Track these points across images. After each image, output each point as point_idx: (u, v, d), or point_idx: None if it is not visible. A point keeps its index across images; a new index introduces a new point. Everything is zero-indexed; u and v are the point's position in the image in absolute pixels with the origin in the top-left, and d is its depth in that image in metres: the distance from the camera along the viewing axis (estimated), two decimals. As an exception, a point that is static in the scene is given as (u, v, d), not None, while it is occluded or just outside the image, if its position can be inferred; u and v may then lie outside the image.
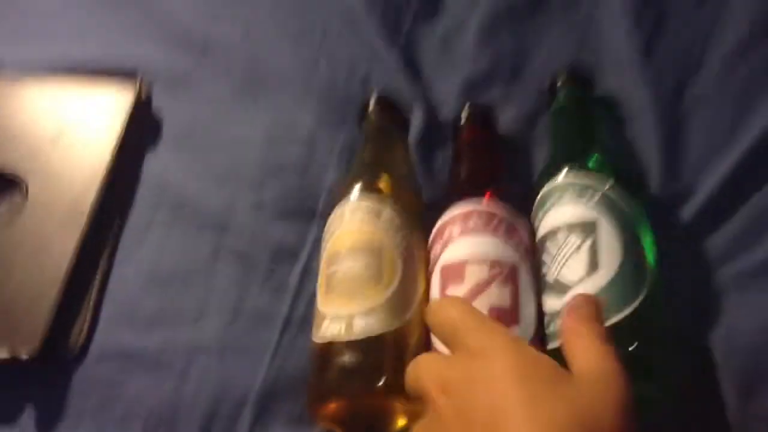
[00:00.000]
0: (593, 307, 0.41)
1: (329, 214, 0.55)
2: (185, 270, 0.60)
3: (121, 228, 0.62)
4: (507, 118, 0.64)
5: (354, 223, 0.52)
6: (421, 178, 0.61)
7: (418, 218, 0.54)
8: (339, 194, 0.55)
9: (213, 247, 0.60)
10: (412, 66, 0.68)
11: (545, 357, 0.37)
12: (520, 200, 0.56)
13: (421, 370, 0.39)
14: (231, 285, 0.59)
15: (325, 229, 0.54)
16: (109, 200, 0.62)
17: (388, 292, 0.48)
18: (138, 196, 0.64)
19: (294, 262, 0.59)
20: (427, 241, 0.54)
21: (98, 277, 0.59)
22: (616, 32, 0.66)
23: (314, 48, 0.71)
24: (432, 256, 0.53)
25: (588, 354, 0.37)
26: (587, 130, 0.59)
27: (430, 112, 0.65)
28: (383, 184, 0.55)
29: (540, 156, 0.62)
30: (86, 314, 0.57)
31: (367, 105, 0.62)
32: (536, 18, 0.69)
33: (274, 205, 0.62)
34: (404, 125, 0.63)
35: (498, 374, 0.35)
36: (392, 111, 0.62)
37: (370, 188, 0.54)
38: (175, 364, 0.55)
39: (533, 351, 0.37)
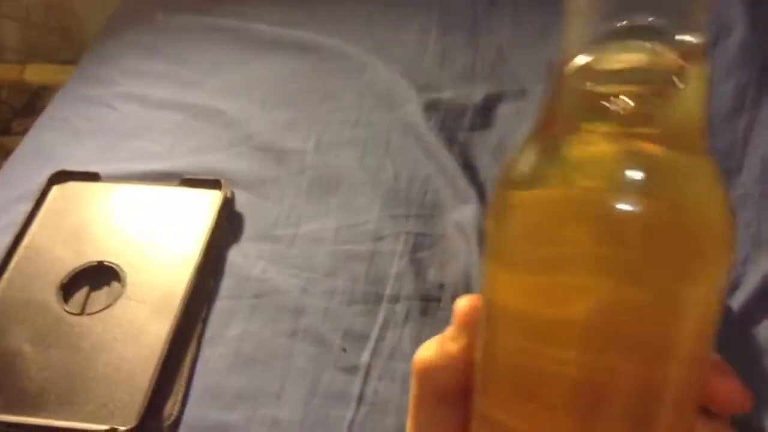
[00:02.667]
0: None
1: None
2: (266, 351, 0.65)
3: (208, 313, 0.68)
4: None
5: None
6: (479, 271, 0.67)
7: None
8: None
9: (290, 330, 0.66)
10: (468, 168, 0.75)
11: None
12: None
13: None
14: (307, 365, 0.63)
15: None
16: (198, 289, 0.68)
17: None
18: (223, 284, 0.70)
19: (364, 344, 0.64)
20: None
21: (189, 357, 0.65)
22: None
23: (379, 154, 0.79)
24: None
25: None
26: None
27: (488, 207, 0.71)
28: None
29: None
30: (178, 391, 0.62)
31: None
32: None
33: (345, 291, 0.68)
34: None
35: None
36: None
37: None
38: (259, 437, 0.59)
39: None
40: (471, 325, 0.28)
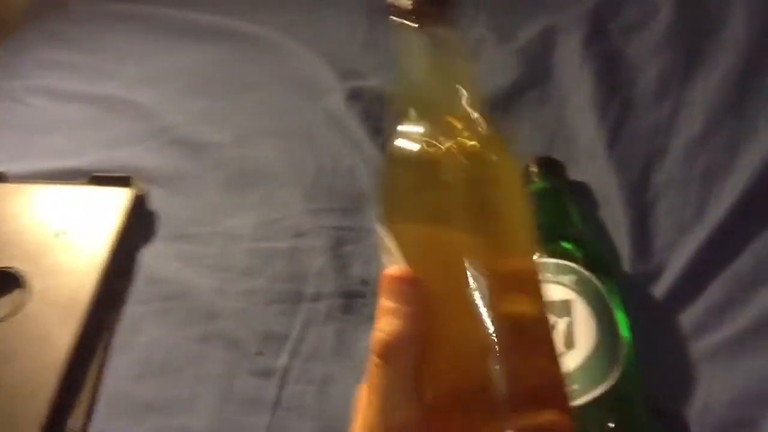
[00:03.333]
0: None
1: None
2: (177, 358, 0.62)
3: (116, 319, 0.64)
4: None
5: None
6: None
7: None
8: None
9: (203, 334, 0.63)
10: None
11: None
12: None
13: None
14: (221, 370, 0.60)
15: None
16: (105, 293, 0.65)
17: None
18: (133, 288, 0.66)
19: (282, 346, 0.61)
20: None
21: (95, 366, 0.61)
22: (584, 125, 0.71)
23: (301, 145, 0.75)
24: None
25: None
26: (561, 215, 0.62)
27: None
28: None
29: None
30: (84, 403, 0.58)
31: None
32: (509, 114, 0.74)
33: (263, 290, 0.65)
34: None
35: None
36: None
37: None
38: (167, 450, 0.56)
39: None
40: (405, 292, 0.30)
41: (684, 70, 0.74)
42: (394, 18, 0.37)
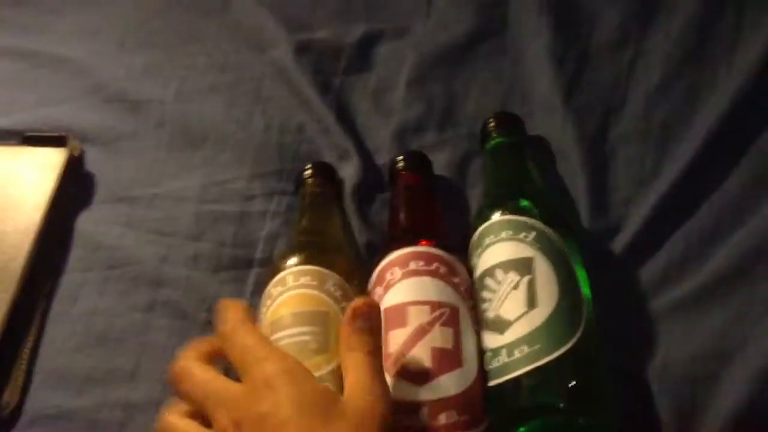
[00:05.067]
0: (369, 318, 0.45)
1: (266, 282, 0.54)
2: (119, 328, 0.58)
3: (53, 288, 0.61)
4: (440, 162, 0.65)
5: (299, 288, 0.52)
6: (360, 222, 0.62)
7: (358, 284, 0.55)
8: (278, 262, 0.55)
9: (147, 303, 0.59)
10: (345, 115, 0.69)
11: (322, 389, 0.41)
12: (457, 241, 0.57)
13: (216, 400, 0.42)
14: (167, 340, 0.57)
15: (264, 295, 0.53)
16: (41, 260, 0.61)
17: (333, 364, 0.47)
18: (71, 254, 0.63)
19: (233, 314, 0.59)
20: None
21: (30, 338, 0.58)
22: (540, 77, 0.68)
23: (248, 102, 0.71)
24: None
25: (357, 372, 0.43)
26: (519, 171, 0.60)
27: (366, 159, 0.66)
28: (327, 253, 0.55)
29: (474, 197, 0.64)
30: (18, 376, 0.55)
31: (303, 174, 0.63)
32: (464, 67, 0.71)
33: (211, 256, 0.62)
34: (340, 192, 0.64)
35: (281, 410, 0.39)
36: (329, 178, 0.63)
37: (315, 257, 0.54)
38: (110, 423, 0.54)
39: (313, 383, 0.41)
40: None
41: (643, 17, 0.71)
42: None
